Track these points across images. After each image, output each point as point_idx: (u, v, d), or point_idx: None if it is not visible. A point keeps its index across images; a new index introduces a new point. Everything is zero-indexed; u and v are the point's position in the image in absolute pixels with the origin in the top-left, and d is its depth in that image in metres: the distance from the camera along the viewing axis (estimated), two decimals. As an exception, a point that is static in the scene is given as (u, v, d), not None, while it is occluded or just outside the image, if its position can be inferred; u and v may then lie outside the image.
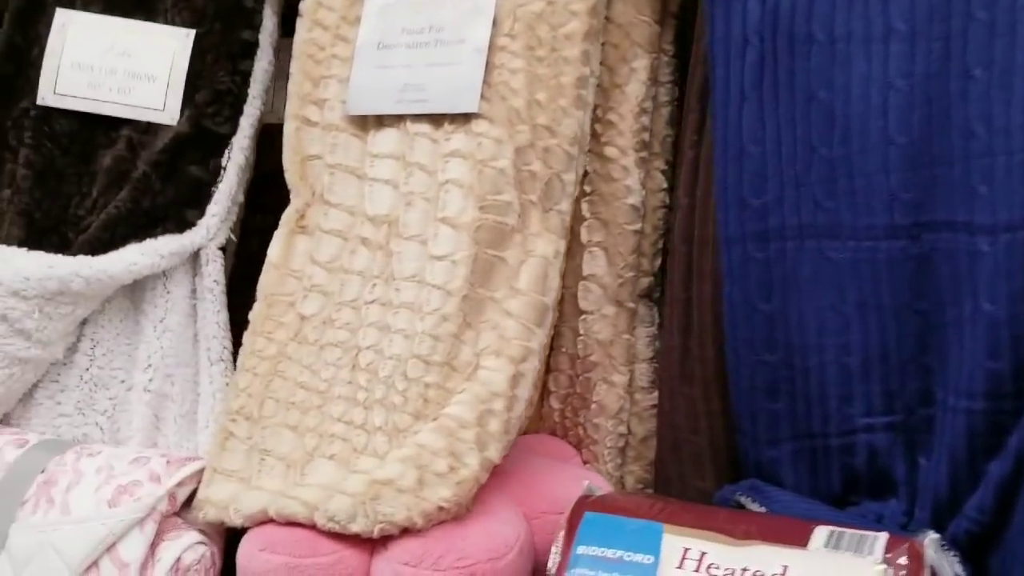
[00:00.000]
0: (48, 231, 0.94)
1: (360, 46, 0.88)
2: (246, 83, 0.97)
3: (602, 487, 0.84)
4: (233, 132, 0.96)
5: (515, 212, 0.82)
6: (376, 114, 0.86)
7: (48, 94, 0.95)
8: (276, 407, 0.83)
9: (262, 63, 0.99)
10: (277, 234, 0.89)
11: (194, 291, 0.95)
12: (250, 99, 0.98)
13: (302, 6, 0.91)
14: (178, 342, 0.93)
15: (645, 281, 0.94)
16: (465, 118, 0.83)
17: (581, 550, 0.70)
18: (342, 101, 0.88)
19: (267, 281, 0.88)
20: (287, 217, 0.89)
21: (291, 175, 0.89)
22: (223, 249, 0.95)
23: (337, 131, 0.88)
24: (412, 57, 0.85)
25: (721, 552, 0.66)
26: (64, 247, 0.93)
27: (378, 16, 0.87)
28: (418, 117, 0.85)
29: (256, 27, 0.98)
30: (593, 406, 0.93)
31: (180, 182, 0.93)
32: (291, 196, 0.90)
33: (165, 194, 0.93)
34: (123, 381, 0.93)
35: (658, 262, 0.95)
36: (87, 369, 0.93)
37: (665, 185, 0.94)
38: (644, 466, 0.95)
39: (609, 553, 0.69)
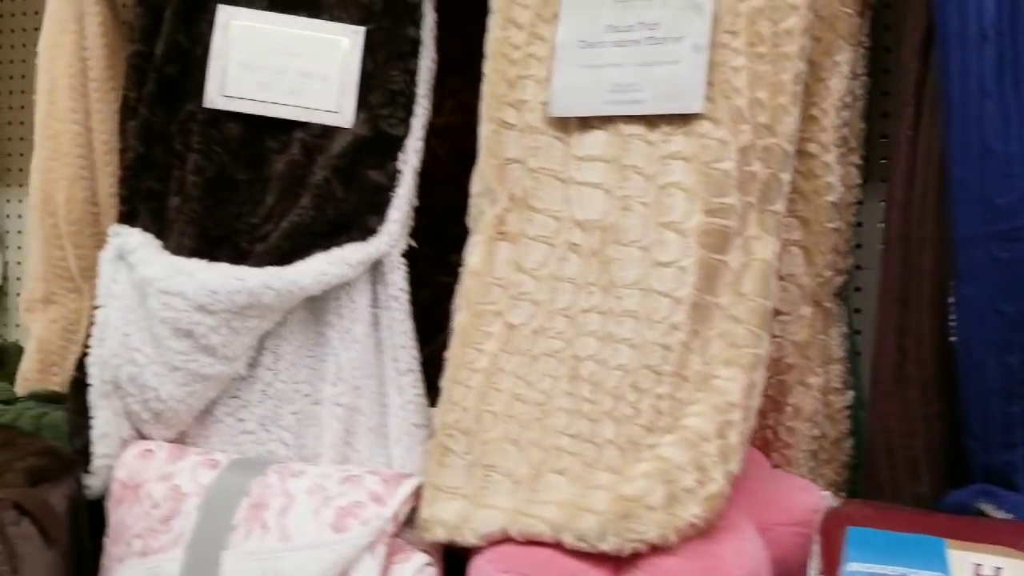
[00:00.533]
0: (220, 241, 0.90)
1: (560, 44, 0.84)
2: (414, 82, 0.93)
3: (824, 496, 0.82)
4: (407, 134, 0.92)
5: (737, 215, 0.79)
6: (583, 115, 0.83)
7: (216, 96, 0.90)
8: (494, 420, 0.80)
9: (426, 61, 0.95)
10: (475, 241, 0.85)
11: (375, 300, 0.92)
12: (418, 99, 0.94)
13: (494, 3, 0.87)
14: (364, 353, 0.89)
15: (839, 280, 0.92)
16: (685, 119, 0.79)
17: (855, 567, 0.68)
18: (541, 103, 0.85)
19: (470, 290, 0.84)
20: (486, 224, 0.85)
21: (487, 179, 0.86)
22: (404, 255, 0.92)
23: (538, 134, 0.84)
24: (622, 56, 0.82)
25: (1018, 569, 0.64)
26: (238, 258, 0.89)
27: (579, 13, 0.84)
28: (631, 118, 0.81)
29: (419, 23, 0.94)
30: (788, 409, 0.91)
31: (361, 188, 0.89)
32: (484, 201, 0.87)
33: (348, 201, 0.89)
34: (307, 395, 0.90)
35: (850, 260, 0.93)
36: (270, 384, 0.89)
37: (859, 180, 0.91)
38: (836, 469, 0.94)
39: (889, 570, 0.67)
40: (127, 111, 0.92)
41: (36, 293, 1.15)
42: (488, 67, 0.87)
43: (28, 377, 1.14)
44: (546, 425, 0.80)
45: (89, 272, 1.12)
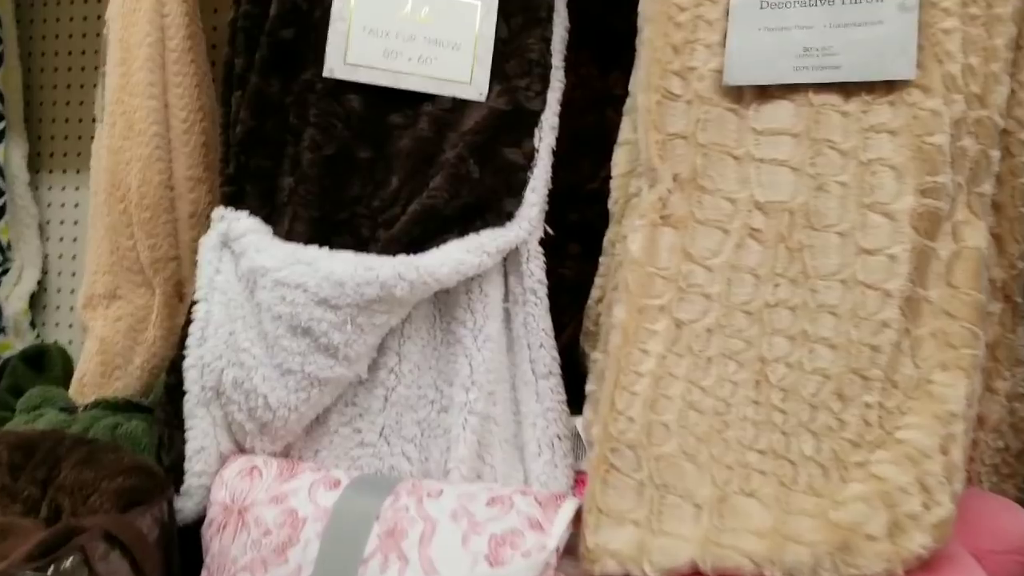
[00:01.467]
0: (339, 226, 0.79)
1: (737, 5, 0.74)
2: (549, 51, 0.83)
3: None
4: (543, 108, 0.82)
5: (949, 196, 0.69)
6: (765, 84, 0.73)
7: (338, 64, 0.79)
8: (666, 433, 0.70)
9: (559, 28, 0.85)
10: (635, 226, 0.75)
11: (506, 294, 0.81)
12: (554, 69, 0.84)
13: None
14: (497, 354, 0.79)
15: (1029, 273, 0.82)
16: (889, 87, 0.70)
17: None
18: (712, 70, 0.75)
19: (631, 282, 0.74)
20: (647, 207, 0.75)
21: (649, 156, 0.76)
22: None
23: (708, 105, 0.74)
24: (812, 16, 0.72)
25: None
26: (360, 245, 0.78)
27: None
28: (822, 86, 0.71)
29: (553, -14, 0.85)
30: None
31: (497, 167, 0.79)
32: (642, 182, 0.77)
33: (484, 182, 0.78)
34: (433, 401, 0.79)
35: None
36: (393, 389, 0.78)
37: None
38: (1017, 484, 0.84)
39: None
40: (233, 80, 0.81)
41: (98, 287, 1.04)
42: (650, 31, 0.77)
43: (87, 382, 1.03)
44: (728, 438, 0.69)
45: (161, 264, 1.01)
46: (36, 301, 1.35)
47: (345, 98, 0.80)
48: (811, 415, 0.68)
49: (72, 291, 1.35)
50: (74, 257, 1.35)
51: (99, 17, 1.32)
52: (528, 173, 0.80)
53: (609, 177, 0.97)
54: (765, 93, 0.73)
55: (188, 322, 0.79)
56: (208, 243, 0.80)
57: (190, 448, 0.76)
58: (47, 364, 1.21)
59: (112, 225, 1.01)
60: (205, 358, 0.76)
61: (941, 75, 0.69)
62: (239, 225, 0.78)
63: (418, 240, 0.78)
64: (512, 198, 0.79)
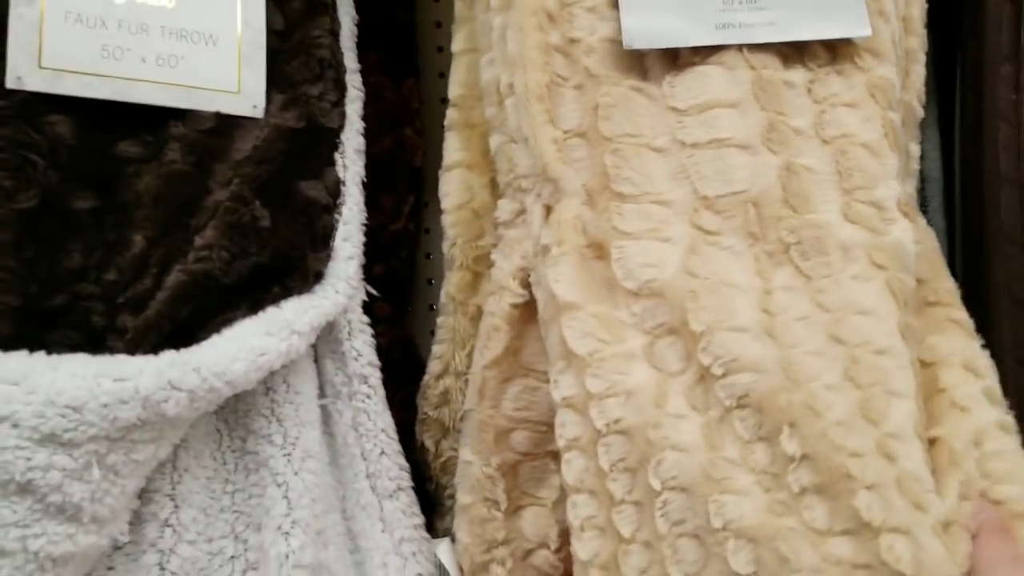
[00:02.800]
0: (56, 316, 0.51)
1: None
2: (338, 45, 0.62)
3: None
4: (343, 124, 0.60)
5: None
6: (678, 46, 0.56)
7: (28, 69, 0.52)
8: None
9: (347, 19, 0.64)
10: (556, 261, 0.54)
11: (322, 386, 0.58)
12: (350, 73, 0.63)
13: None
14: (321, 475, 0.55)
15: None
16: (831, 52, 0.56)
17: None
18: (603, 39, 0.56)
19: (573, 333, 0.53)
20: (562, 234, 0.55)
21: (545, 162, 0.54)
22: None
23: (607, 85, 0.56)
24: None
25: None
26: (94, 342, 0.51)
27: None
28: (754, 47, 0.56)
29: (332, -39, 0.63)
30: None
31: (294, 210, 0.56)
32: (531, 194, 0.57)
33: (277, 232, 0.55)
34: (235, 557, 0.54)
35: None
36: (171, 551, 0.52)
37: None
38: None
39: None
40: None
41: None
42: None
43: None
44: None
45: None
46: None
47: (45, 120, 0.52)
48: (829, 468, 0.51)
49: None
50: None
51: None
52: (335, 215, 0.58)
53: (416, 213, 0.77)
54: (678, 62, 0.56)
55: None
56: None
57: None
58: None
59: None
60: None
61: (889, 36, 0.57)
62: None
63: (188, 325, 0.52)
64: (318, 252, 0.57)
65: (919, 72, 0.60)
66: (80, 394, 0.47)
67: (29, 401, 0.47)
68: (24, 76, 0.52)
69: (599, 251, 0.54)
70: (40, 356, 0.49)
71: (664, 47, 0.55)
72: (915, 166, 0.61)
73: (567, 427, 0.53)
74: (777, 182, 0.54)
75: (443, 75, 0.69)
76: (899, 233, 0.53)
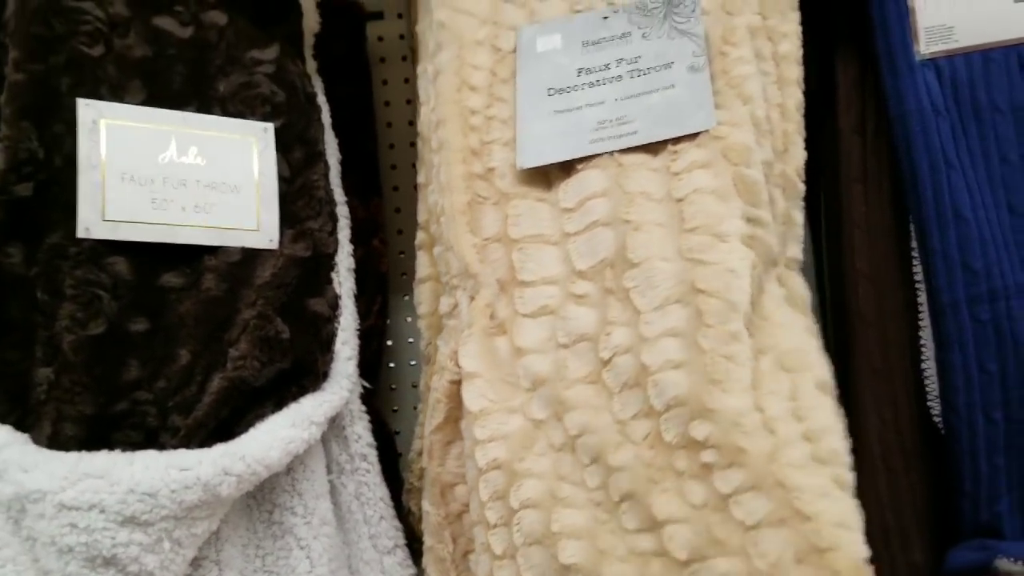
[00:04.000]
0: (119, 420, 0.64)
1: (523, 97, 0.73)
2: (330, 184, 0.76)
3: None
4: (336, 249, 0.75)
5: (774, 237, 0.71)
6: (562, 160, 0.71)
7: (94, 222, 0.65)
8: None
9: (333, 160, 0.79)
10: (466, 338, 0.68)
11: (329, 464, 0.71)
12: (338, 205, 0.77)
13: (443, 64, 0.73)
14: (333, 538, 0.68)
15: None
16: (693, 135, 0.71)
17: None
18: (513, 166, 0.72)
19: (470, 394, 0.66)
20: (475, 315, 0.69)
21: (466, 263, 0.70)
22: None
23: (516, 199, 0.71)
24: (602, 93, 0.72)
25: None
26: (149, 439, 0.64)
27: (541, 63, 0.74)
28: (627, 150, 0.71)
29: (321, 115, 0.78)
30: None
31: (305, 323, 0.70)
32: (455, 289, 0.71)
33: (295, 341, 0.68)
34: (268, 611, 0.66)
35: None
36: (219, 606, 0.64)
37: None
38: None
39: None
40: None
41: None
42: (446, 133, 0.72)
43: None
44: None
45: None
46: None
47: (107, 261, 0.65)
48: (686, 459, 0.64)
49: None
50: None
51: None
52: (335, 324, 0.72)
53: (383, 311, 0.91)
54: (570, 172, 0.71)
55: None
56: (-57, 470, 0.60)
57: None
58: None
59: None
60: (-38, 629, 0.57)
61: (747, 113, 0.71)
62: (-13, 440, 0.60)
63: (228, 422, 0.65)
64: (324, 355, 0.70)
65: (797, 152, 0.75)
66: (154, 483, 0.60)
67: (113, 491, 0.59)
68: (91, 227, 0.65)
69: (502, 329, 0.68)
70: (117, 453, 0.61)
71: (547, 163, 0.71)
72: (799, 231, 0.76)
73: (469, 472, 0.66)
74: (625, 242, 0.67)
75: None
76: (727, 255, 0.65)
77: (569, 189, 0.71)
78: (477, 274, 0.70)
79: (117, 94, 0.68)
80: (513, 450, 0.64)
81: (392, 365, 0.98)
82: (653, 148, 0.72)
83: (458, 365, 0.69)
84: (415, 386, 0.99)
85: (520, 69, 0.74)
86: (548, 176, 0.72)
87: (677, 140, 0.71)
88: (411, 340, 1.00)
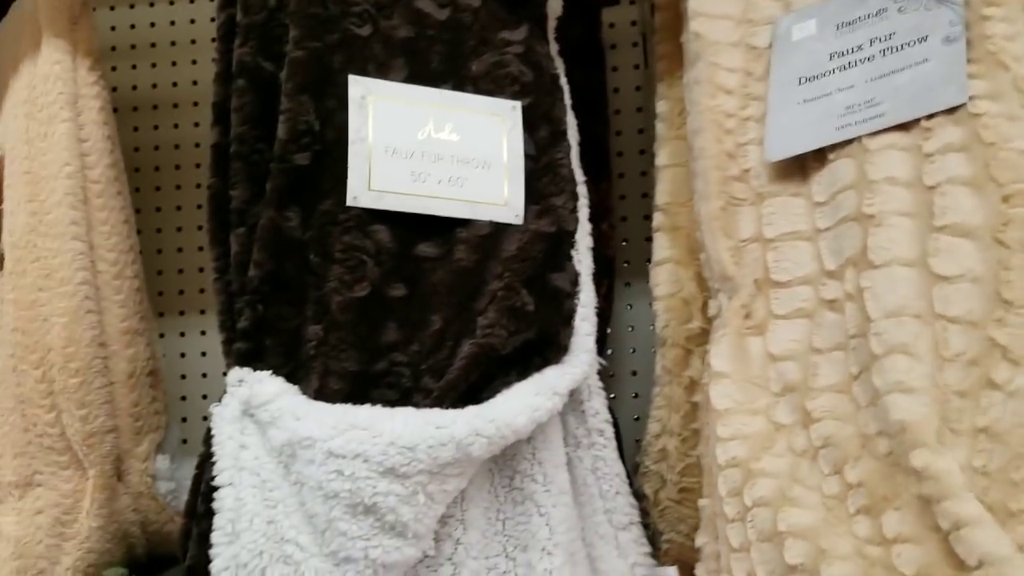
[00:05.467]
0: (378, 378, 0.67)
1: (775, 89, 0.72)
2: (571, 163, 0.78)
3: None
4: (576, 227, 0.76)
5: None
6: (808, 150, 0.69)
7: (362, 191, 0.69)
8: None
9: (573, 140, 0.80)
10: (718, 338, 0.69)
11: (566, 437, 0.72)
12: (579, 184, 0.78)
13: (696, 72, 0.74)
14: (570, 508, 0.69)
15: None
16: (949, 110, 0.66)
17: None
18: (768, 165, 0.71)
19: (717, 394, 0.67)
20: (729, 316, 0.69)
21: (721, 267, 0.70)
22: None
23: (770, 198, 0.70)
24: (852, 77, 0.69)
25: None
26: (403, 398, 0.67)
27: (794, 52, 0.72)
28: (875, 134, 0.67)
29: (564, 95, 0.79)
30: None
31: (548, 296, 0.71)
32: (718, 292, 0.71)
33: (539, 313, 0.70)
34: (506, 572, 0.68)
35: None
36: (461, 563, 0.66)
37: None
38: None
39: None
40: (231, 215, 0.68)
41: (7, 475, 0.83)
42: (702, 142, 0.72)
43: (-3, 596, 0.81)
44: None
45: (96, 439, 0.83)
46: None
47: (370, 229, 0.69)
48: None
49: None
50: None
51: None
52: (575, 300, 0.73)
53: (610, 295, 0.92)
54: (823, 163, 0.69)
55: (206, 513, 0.63)
56: (226, 414, 0.65)
57: (226, 677, 0.60)
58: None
59: (25, 397, 0.82)
60: (240, 557, 0.61)
61: (1009, 81, 0.65)
62: (264, 388, 0.65)
63: (475, 387, 0.68)
64: (565, 329, 0.72)
65: None
66: (413, 438, 0.63)
67: (376, 442, 0.62)
68: (359, 196, 0.69)
69: (757, 330, 0.68)
70: (379, 408, 0.65)
71: (793, 154, 0.69)
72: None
73: (711, 468, 0.67)
74: (865, 238, 0.64)
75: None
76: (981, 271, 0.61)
77: (822, 181, 0.69)
78: (733, 277, 0.70)
79: (382, 71, 0.72)
80: (752, 450, 0.65)
81: (610, 352, 0.99)
82: (904, 126, 0.69)
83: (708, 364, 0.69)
84: (635, 373, 1.00)
85: (774, 62, 0.73)
86: (804, 168, 0.71)
87: (931, 115, 0.67)
88: (631, 327, 1.01)
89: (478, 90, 0.74)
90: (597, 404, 0.73)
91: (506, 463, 0.70)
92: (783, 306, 0.68)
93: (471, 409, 0.65)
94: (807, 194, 0.70)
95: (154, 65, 1.04)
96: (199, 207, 1.01)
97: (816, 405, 0.64)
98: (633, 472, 0.78)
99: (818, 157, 0.70)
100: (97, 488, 0.82)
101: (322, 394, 0.66)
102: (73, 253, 0.81)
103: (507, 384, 0.68)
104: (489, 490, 0.69)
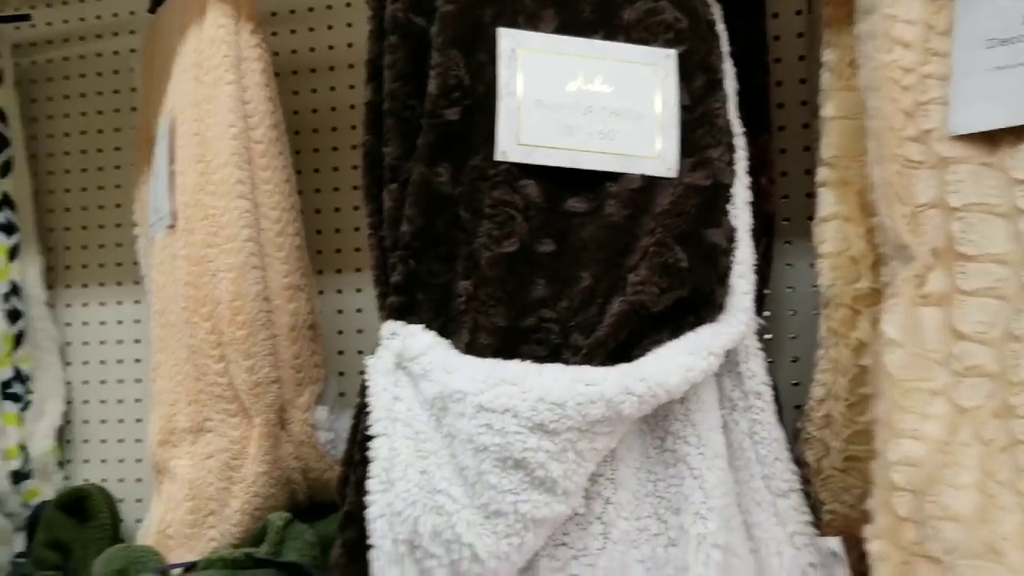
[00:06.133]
0: (527, 334, 0.67)
1: (960, 51, 0.66)
2: (728, 113, 0.74)
3: None
4: (733, 180, 0.72)
5: None
6: (1004, 126, 0.64)
7: (511, 145, 0.68)
8: (963, 533, 0.59)
9: (730, 89, 0.76)
10: (891, 307, 0.65)
11: (719, 400, 0.70)
12: (736, 136, 0.75)
13: (868, 25, 0.69)
14: (725, 472, 0.67)
15: None
16: None
17: None
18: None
19: (892, 365, 0.63)
20: (901, 285, 0.65)
21: (896, 233, 0.66)
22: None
23: (956, 164, 0.65)
24: None
25: None
26: (551, 354, 0.67)
27: (981, 8, 0.66)
28: None
29: (719, 43, 0.76)
30: None
31: (702, 253, 0.69)
32: (891, 259, 0.67)
33: (693, 270, 0.68)
34: (658, 534, 0.67)
35: None
36: (612, 523, 0.66)
37: None
38: None
39: None
40: (383, 171, 0.69)
41: (180, 421, 0.89)
42: (876, 100, 0.67)
43: (174, 533, 0.86)
44: None
45: (261, 388, 0.87)
46: (59, 436, 1.17)
47: (519, 184, 0.68)
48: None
49: (102, 422, 1.19)
50: (102, 383, 1.19)
51: (118, 111, 1.19)
52: (731, 256, 0.70)
53: (768, 252, 0.88)
54: (1019, 136, 0.64)
55: (362, 461, 0.65)
56: (380, 366, 0.66)
57: (384, 619, 0.62)
58: (90, 511, 1.05)
59: (196, 348, 0.87)
60: (395, 505, 0.63)
61: None
62: (416, 342, 0.66)
63: (626, 345, 0.66)
64: (721, 287, 0.69)
65: None
66: (562, 394, 0.62)
67: (525, 398, 0.62)
68: (508, 151, 0.68)
69: (936, 300, 0.63)
70: (529, 364, 0.64)
71: (981, 130, 0.63)
72: None
73: (880, 437, 0.63)
74: None
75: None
76: None
77: (1019, 156, 0.64)
78: (908, 245, 0.65)
79: (532, 23, 0.70)
80: (933, 433, 0.61)
81: (767, 313, 0.95)
82: None
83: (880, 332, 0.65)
84: (794, 337, 0.95)
85: (958, 18, 0.67)
86: (994, 136, 0.65)
87: None
88: (791, 287, 0.96)
89: (630, 39, 0.72)
90: (755, 366, 0.70)
91: (658, 424, 0.68)
92: (971, 282, 0.63)
93: (622, 367, 0.64)
94: (1001, 166, 0.64)
95: (311, 29, 1.07)
96: (355, 168, 1.03)
97: (1022, 401, 0.60)
98: (793, 438, 0.75)
99: (1013, 128, 0.64)
100: (262, 436, 0.86)
101: (472, 348, 0.66)
102: (239, 211, 0.85)
103: (658, 343, 0.66)
104: (640, 451, 0.68)
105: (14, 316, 1.11)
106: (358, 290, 1.05)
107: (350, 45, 1.06)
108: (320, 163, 1.07)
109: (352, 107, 1.05)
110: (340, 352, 1.05)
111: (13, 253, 1.12)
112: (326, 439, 0.91)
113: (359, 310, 1.06)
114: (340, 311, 1.06)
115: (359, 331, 1.05)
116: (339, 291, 1.06)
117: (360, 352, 1.05)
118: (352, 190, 1.04)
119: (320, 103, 1.07)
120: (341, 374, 1.04)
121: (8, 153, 1.13)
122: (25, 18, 1.16)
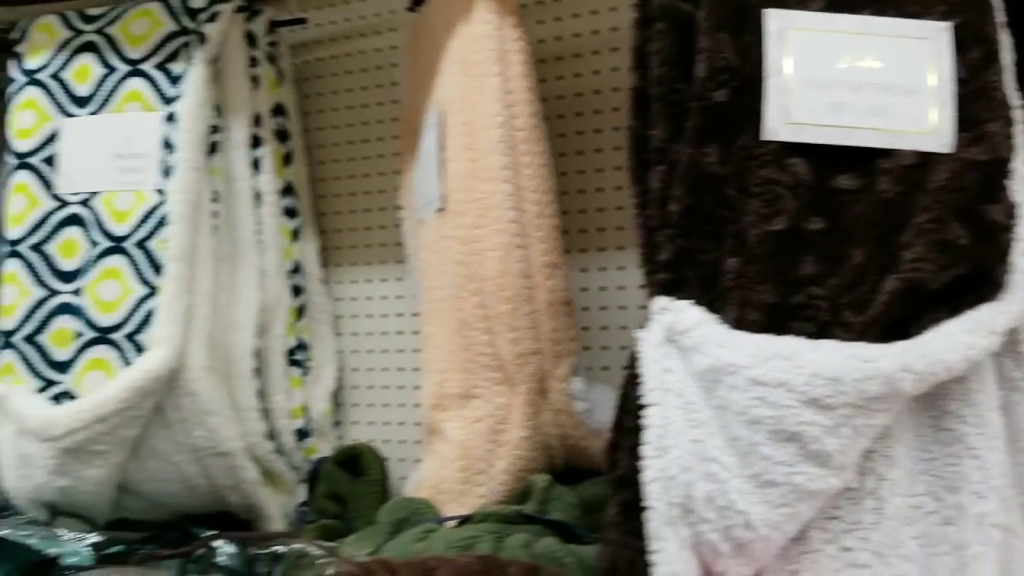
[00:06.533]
0: (795, 311, 0.68)
1: None
2: (1006, 86, 0.71)
3: None
4: (1011, 154, 0.70)
5: None
6: None
7: (779, 125, 0.70)
8: None
9: (1007, 58, 0.74)
10: None
11: (999, 379, 0.69)
12: (1014, 108, 0.72)
13: None
14: (1004, 453, 0.66)
15: None
16: None
17: None
18: None
19: None
20: None
21: None
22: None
23: None
24: None
25: None
26: (821, 332, 0.67)
27: None
28: None
29: (994, 13, 0.73)
30: None
31: (981, 229, 0.67)
32: None
33: (972, 247, 0.66)
34: (932, 512, 0.66)
35: None
36: (885, 499, 0.66)
37: None
38: None
39: None
40: (650, 154, 0.73)
41: (451, 387, 0.97)
42: None
43: (446, 490, 0.95)
44: None
45: (523, 359, 0.93)
46: (333, 399, 1.30)
47: (788, 162, 0.70)
48: None
49: (370, 387, 1.30)
50: (368, 352, 1.31)
51: (382, 104, 1.30)
52: (1011, 234, 0.68)
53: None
54: None
55: (634, 429, 0.69)
56: (651, 339, 0.70)
57: (659, 574, 0.66)
58: (363, 467, 1.15)
59: (465, 320, 0.94)
60: (669, 470, 0.66)
61: None
62: (685, 317, 0.69)
63: (900, 322, 0.66)
64: (1001, 264, 0.67)
65: None
66: (838, 370, 0.63)
67: (799, 372, 0.64)
68: (777, 129, 0.70)
69: None
70: (802, 339, 0.66)
71: None
72: None
73: None
74: None
75: None
76: None
77: None
78: None
79: (801, 2, 0.71)
80: None
81: None
82: None
83: None
84: None
85: None
86: None
87: None
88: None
89: (902, 13, 0.71)
90: (1049, 348, 0.67)
91: (933, 402, 0.68)
92: None
93: (899, 344, 0.64)
94: None
95: (576, 15, 1.11)
96: (617, 149, 1.07)
97: None
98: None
99: None
100: (525, 403, 0.93)
101: (740, 324, 0.68)
102: (504, 194, 0.91)
103: (936, 321, 0.65)
104: (913, 429, 0.68)
105: (297, 291, 1.24)
106: (619, 268, 1.09)
107: (613, 29, 1.09)
108: (583, 145, 1.11)
109: (615, 90, 1.08)
110: (603, 327, 1.09)
111: (296, 235, 1.25)
112: (582, 408, 0.96)
113: (621, 287, 1.09)
114: (603, 288, 1.10)
115: (620, 307, 1.09)
116: (602, 268, 1.10)
117: (623, 327, 1.08)
118: (614, 171, 1.08)
119: (584, 87, 1.11)
120: (604, 348, 1.08)
121: (290, 145, 1.26)
122: (302, 21, 1.28)
